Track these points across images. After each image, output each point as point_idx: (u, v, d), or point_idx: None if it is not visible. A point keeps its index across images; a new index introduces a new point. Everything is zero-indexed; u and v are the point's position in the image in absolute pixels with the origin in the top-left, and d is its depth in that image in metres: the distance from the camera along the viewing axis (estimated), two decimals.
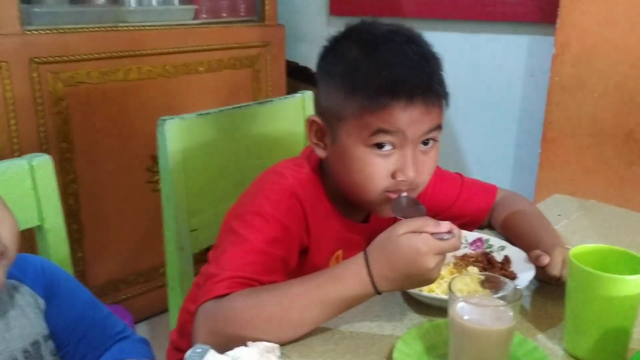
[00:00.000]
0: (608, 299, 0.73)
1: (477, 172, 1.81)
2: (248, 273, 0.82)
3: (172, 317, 1.26)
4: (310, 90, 1.50)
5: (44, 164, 0.99)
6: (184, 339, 1.08)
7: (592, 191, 1.71)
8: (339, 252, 0.99)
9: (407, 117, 0.86)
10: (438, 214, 1.11)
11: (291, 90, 2.55)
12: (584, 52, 1.69)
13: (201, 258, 1.29)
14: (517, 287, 0.71)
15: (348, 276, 0.77)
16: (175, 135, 1.18)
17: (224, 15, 2.42)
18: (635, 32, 1.60)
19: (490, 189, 1.16)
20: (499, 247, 0.99)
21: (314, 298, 0.77)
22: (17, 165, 0.97)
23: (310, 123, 0.95)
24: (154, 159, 2.21)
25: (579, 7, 1.67)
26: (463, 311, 0.68)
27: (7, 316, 0.72)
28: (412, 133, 0.86)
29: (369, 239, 1.01)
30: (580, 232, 1.14)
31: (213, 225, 1.28)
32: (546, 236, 0.99)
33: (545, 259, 0.88)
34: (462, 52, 2.01)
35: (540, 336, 0.81)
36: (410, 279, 0.76)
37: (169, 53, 2.18)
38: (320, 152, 0.95)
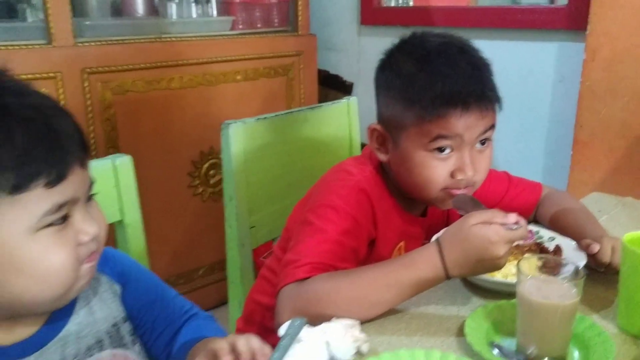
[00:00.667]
0: None
1: None
2: (325, 259, 0.90)
3: (232, 309, 1.34)
4: (340, 97, 1.58)
5: (125, 164, 1.08)
6: (250, 327, 1.16)
7: (623, 192, 1.76)
8: (401, 244, 1.07)
9: (464, 123, 0.94)
10: None
11: (322, 97, 2.64)
12: (614, 57, 1.76)
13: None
14: (578, 266, 0.78)
15: (422, 262, 0.84)
16: (238, 138, 1.26)
17: (259, 26, 2.51)
18: None
19: (536, 187, 1.23)
20: (549, 237, 1.07)
21: (389, 280, 0.85)
22: (102, 165, 1.06)
23: (371, 131, 1.03)
24: (195, 164, 2.31)
25: (608, 15, 1.74)
26: (532, 289, 0.75)
27: (90, 303, 0.80)
28: (468, 136, 0.95)
29: (427, 232, 1.09)
30: (621, 226, 1.20)
31: (270, 223, 1.36)
32: (592, 228, 1.06)
33: (596, 247, 0.95)
34: (493, 59, 2.08)
35: (595, 316, 0.88)
36: (480, 265, 0.83)
37: (209, 62, 2.28)
38: (382, 157, 1.03)
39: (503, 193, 1.20)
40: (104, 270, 0.83)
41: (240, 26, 2.45)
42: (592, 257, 0.96)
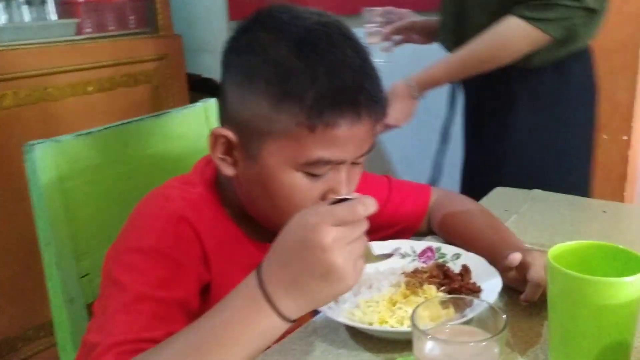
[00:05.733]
0: (602, 307, 0.59)
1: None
2: (136, 333, 0.63)
3: None
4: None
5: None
6: None
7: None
8: None
9: (353, 138, 0.70)
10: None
11: None
12: None
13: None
14: (496, 309, 0.55)
15: (238, 297, 0.60)
16: (49, 164, 0.96)
17: (112, 28, 2.18)
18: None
19: (424, 189, 1.02)
20: (453, 255, 0.84)
21: (209, 344, 0.58)
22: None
23: (215, 137, 0.75)
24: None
25: None
26: (434, 351, 0.51)
27: None
28: (353, 154, 0.72)
29: None
30: (533, 226, 1.01)
31: None
32: (501, 237, 0.85)
33: (517, 256, 0.73)
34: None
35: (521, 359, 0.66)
36: (307, 272, 0.56)
37: (50, 74, 1.92)
38: (228, 170, 0.76)
39: (383, 200, 0.96)
40: None
41: (88, 29, 2.11)
42: (511, 275, 0.75)
